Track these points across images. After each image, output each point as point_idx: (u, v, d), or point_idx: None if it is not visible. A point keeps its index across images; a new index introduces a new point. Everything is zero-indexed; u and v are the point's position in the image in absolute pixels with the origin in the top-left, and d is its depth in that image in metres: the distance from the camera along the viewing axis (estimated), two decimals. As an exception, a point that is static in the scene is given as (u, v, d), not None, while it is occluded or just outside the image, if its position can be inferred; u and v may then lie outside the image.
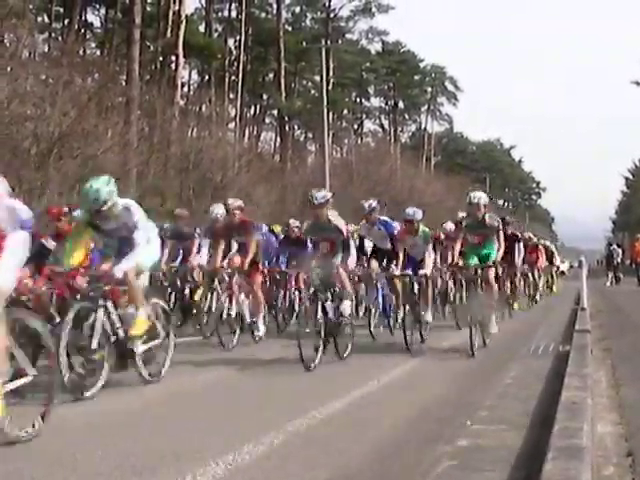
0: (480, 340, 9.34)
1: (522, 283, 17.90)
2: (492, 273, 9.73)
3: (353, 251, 10.72)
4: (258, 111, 56.39)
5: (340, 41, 60.26)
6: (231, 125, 46.49)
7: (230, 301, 10.06)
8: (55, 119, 21.95)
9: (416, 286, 10.15)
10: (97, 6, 45.47)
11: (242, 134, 48.72)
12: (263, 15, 55.45)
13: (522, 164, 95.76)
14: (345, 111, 63.72)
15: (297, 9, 59.12)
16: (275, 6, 53.18)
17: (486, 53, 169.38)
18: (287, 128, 53.29)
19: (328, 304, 8.43)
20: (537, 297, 19.78)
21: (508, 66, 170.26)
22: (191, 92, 48.44)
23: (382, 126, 70.85)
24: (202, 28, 50.93)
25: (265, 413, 5.70)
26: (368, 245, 11.77)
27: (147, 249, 7.01)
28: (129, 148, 26.91)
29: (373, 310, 11.51)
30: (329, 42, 53.52)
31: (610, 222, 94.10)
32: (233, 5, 52.38)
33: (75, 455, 4.36)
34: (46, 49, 32.21)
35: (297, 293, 12.92)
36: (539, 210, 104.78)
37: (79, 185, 24.59)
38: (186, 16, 41.84)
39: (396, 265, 10.09)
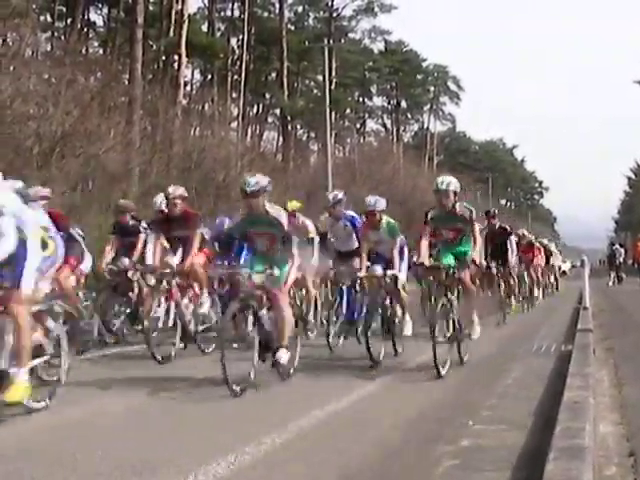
0: (455, 355, 7.77)
1: (517, 284, 15.87)
2: (468, 274, 8.09)
3: (315, 252, 9.82)
4: (261, 110, 56.39)
5: (343, 40, 60.21)
6: (233, 124, 46.50)
7: (169, 307, 8.61)
8: (58, 118, 21.96)
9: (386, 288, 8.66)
10: (100, 5, 45.51)
11: (244, 133, 48.68)
12: (266, 14, 55.46)
13: (525, 164, 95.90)
14: (348, 110, 63.74)
15: (300, 8, 59.15)
16: (278, 5, 53.21)
17: (488, 53, 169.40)
18: (289, 127, 53.29)
19: (263, 313, 6.83)
20: (534, 299, 18.21)
21: (510, 66, 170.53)
22: (194, 91, 48.44)
23: (385, 125, 70.95)
24: (205, 27, 50.94)
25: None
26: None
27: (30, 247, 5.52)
28: (131, 147, 26.95)
29: (334, 317, 9.53)
30: (332, 41, 53.47)
31: (613, 222, 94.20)
32: (236, 4, 52.43)
33: (75, 455, 4.35)
34: (49, 48, 32.19)
35: None
36: (541, 210, 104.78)
37: (82, 184, 24.69)
38: (189, 15, 41.87)
39: (360, 265, 8.79)
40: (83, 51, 32.62)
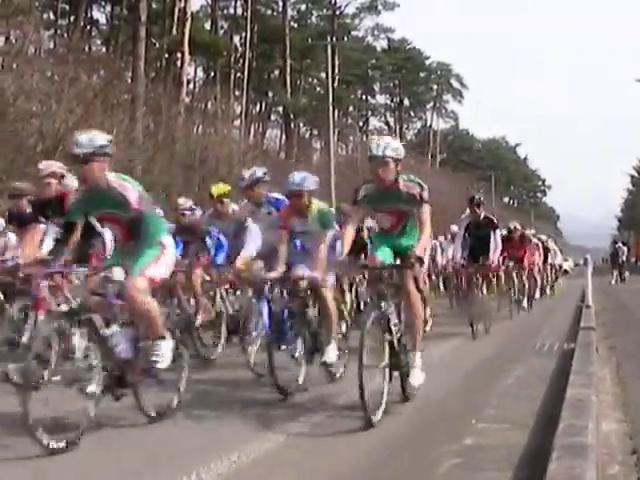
0: (398, 389, 5.69)
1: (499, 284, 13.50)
2: (412, 276, 5.77)
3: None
4: (263, 108, 56.41)
5: (346, 38, 60.27)
6: (236, 122, 46.52)
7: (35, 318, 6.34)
8: (61, 116, 21.99)
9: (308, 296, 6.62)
10: (103, 3, 45.52)
11: (247, 131, 48.72)
12: (269, 12, 55.49)
13: (527, 162, 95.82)
14: (350, 108, 63.78)
15: (303, 6, 59.15)
16: (281, 3, 53.35)
17: (489, 52, 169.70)
18: (292, 125, 53.32)
19: (111, 332, 4.83)
20: (525, 302, 15.44)
21: (511, 65, 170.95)
22: (196, 89, 48.46)
23: (387, 123, 70.91)
24: (208, 25, 50.99)
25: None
26: (256, 232, 7.97)
27: None
28: (135, 145, 26.96)
29: (254, 333, 7.14)
30: (335, 39, 53.52)
31: (615, 220, 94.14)
32: (239, 2, 52.46)
33: (75, 453, 4.34)
34: (52, 46, 32.26)
35: (193, 301, 8.85)
36: (544, 208, 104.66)
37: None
38: (192, 13, 41.91)
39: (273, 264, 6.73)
40: (86, 49, 32.66)
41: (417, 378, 5.69)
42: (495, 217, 11.93)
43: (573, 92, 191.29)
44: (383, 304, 5.48)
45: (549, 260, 21.60)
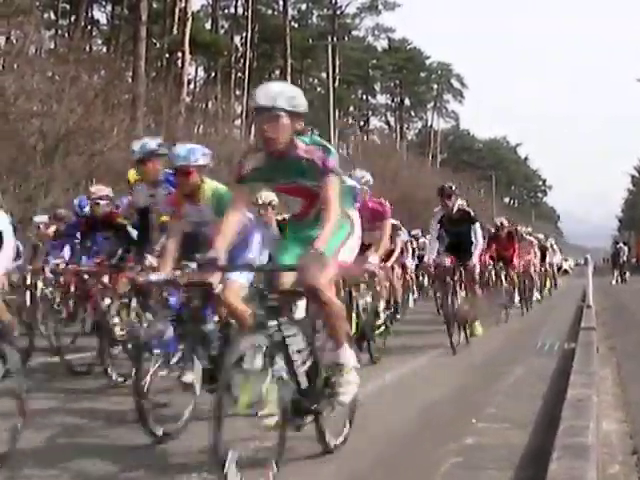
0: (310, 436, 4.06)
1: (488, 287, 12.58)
2: (328, 279, 3.88)
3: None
4: (264, 108, 56.43)
5: (346, 38, 60.32)
6: (237, 122, 46.57)
7: None
8: (61, 116, 21.99)
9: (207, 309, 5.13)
10: (103, 3, 45.61)
11: (248, 131, 48.69)
12: (269, 12, 55.59)
13: (528, 161, 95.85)
14: (351, 108, 63.86)
15: (303, 6, 59.28)
16: (281, 3, 53.29)
17: (489, 52, 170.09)
18: (293, 125, 53.36)
19: None
20: (517, 302, 14.31)
21: (511, 65, 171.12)
22: (197, 89, 48.52)
23: (388, 123, 71.02)
24: (208, 25, 51.11)
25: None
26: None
27: None
28: (135, 145, 26.98)
29: (156, 350, 4.80)
30: (335, 39, 53.58)
31: (616, 220, 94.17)
32: (239, 2, 52.54)
33: (76, 454, 4.34)
34: (52, 46, 32.32)
35: (109, 302, 7.13)
36: (545, 208, 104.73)
37: (86, 182, 24.71)
38: (192, 13, 41.96)
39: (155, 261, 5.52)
40: (87, 49, 32.72)
41: (348, 390, 4.02)
42: (472, 209, 9.78)
43: (573, 92, 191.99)
44: (271, 323, 3.68)
45: (547, 259, 21.13)
